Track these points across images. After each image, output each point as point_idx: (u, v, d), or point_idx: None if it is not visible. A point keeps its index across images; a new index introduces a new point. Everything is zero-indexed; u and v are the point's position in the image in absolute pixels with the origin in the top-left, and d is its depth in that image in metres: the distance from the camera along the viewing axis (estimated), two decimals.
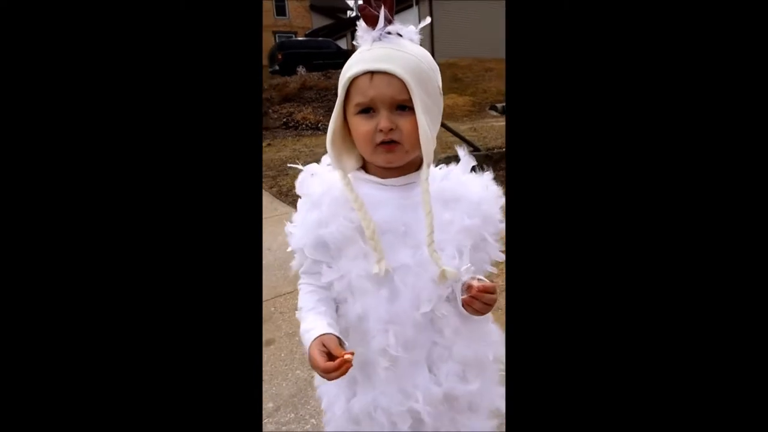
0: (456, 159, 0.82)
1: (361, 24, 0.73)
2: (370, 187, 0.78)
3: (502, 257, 0.78)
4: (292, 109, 9.88)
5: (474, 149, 4.81)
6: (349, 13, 26.03)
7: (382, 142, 0.72)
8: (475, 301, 0.71)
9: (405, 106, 0.71)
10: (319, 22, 22.88)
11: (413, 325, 0.75)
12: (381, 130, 0.71)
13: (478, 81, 11.27)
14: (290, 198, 4.21)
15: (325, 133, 0.78)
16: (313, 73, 11.88)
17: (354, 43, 0.76)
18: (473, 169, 0.82)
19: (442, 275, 0.72)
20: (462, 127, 6.77)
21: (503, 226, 0.78)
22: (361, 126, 0.73)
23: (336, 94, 0.76)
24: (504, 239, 0.70)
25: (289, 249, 0.82)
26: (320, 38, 17.05)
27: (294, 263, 0.84)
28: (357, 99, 0.72)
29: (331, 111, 0.75)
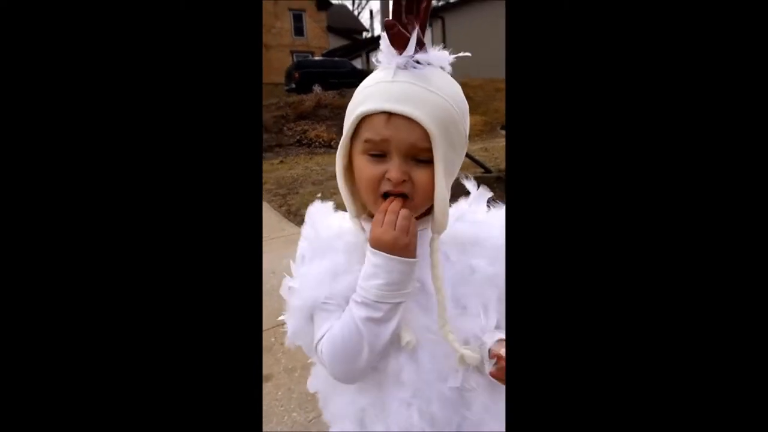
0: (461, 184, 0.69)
1: (384, 42, 0.57)
2: None
3: None
4: (306, 127, 10.01)
5: (485, 170, 4.79)
6: (364, 34, 26.51)
7: (388, 193, 0.60)
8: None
9: (423, 158, 0.58)
10: (336, 42, 23.27)
11: (439, 400, 0.63)
12: (389, 179, 0.58)
13: (489, 101, 11.28)
14: (299, 218, 4.21)
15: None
16: (329, 92, 12.07)
17: (374, 60, 0.61)
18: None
19: (461, 360, 0.61)
20: (473, 147, 6.77)
21: None
22: (367, 168, 0.60)
23: None
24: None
25: (281, 317, 0.67)
26: (336, 58, 17.41)
27: (288, 329, 0.67)
28: (367, 135, 0.59)
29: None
